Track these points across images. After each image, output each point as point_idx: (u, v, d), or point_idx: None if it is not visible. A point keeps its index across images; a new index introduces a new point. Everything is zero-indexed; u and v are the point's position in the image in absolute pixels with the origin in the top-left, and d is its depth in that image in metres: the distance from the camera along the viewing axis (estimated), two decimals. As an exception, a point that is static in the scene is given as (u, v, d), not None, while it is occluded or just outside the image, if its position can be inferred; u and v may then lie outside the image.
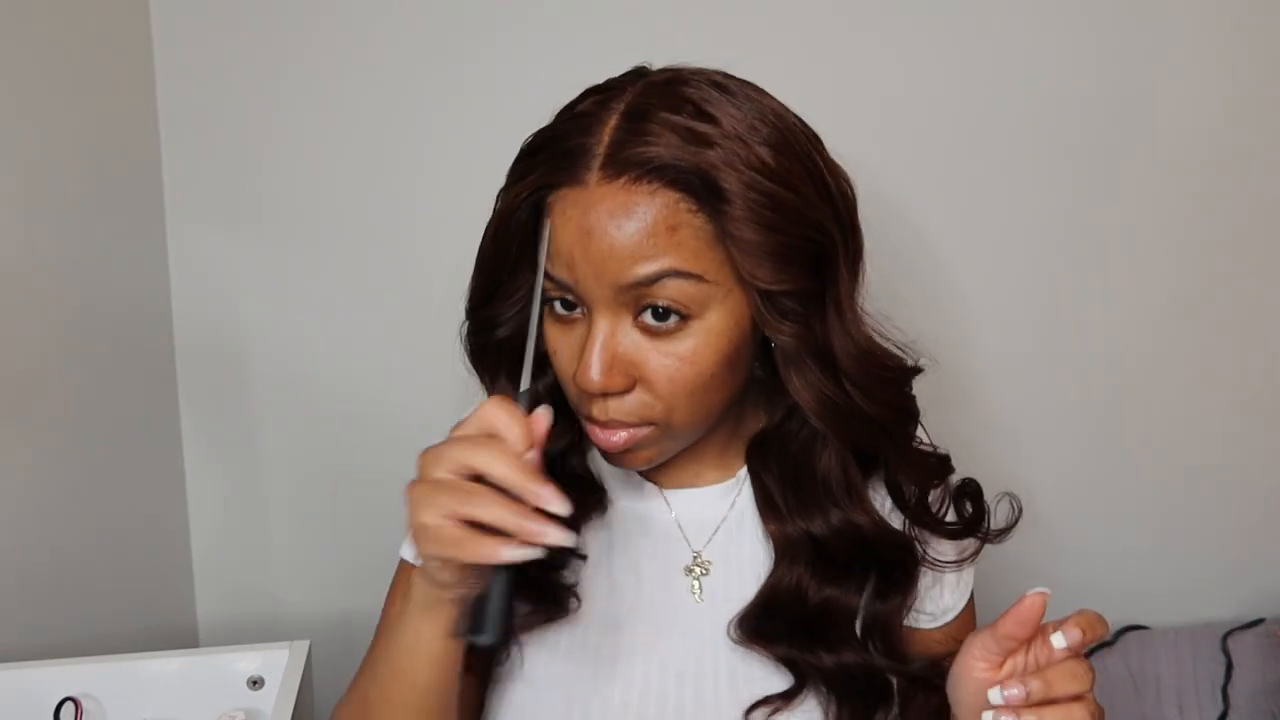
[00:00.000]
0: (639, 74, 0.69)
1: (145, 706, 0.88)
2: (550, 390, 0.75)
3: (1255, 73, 1.14)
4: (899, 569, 0.76)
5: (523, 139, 0.69)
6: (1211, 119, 1.15)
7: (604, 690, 0.75)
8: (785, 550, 0.75)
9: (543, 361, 0.73)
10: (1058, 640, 0.63)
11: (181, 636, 1.20)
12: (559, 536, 0.57)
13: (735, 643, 0.76)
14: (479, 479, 0.59)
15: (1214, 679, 1.21)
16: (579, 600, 0.76)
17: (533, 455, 0.60)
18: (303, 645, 0.90)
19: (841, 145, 0.71)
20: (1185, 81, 1.13)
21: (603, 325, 0.66)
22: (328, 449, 1.20)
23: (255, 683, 0.89)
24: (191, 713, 0.89)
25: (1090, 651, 1.22)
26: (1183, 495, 1.28)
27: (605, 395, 0.67)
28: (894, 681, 0.76)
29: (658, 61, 0.71)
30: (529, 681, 0.76)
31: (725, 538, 0.79)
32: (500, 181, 0.69)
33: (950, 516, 0.78)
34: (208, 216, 1.12)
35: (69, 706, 0.85)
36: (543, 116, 0.69)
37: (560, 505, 0.58)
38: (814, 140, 0.70)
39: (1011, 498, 0.79)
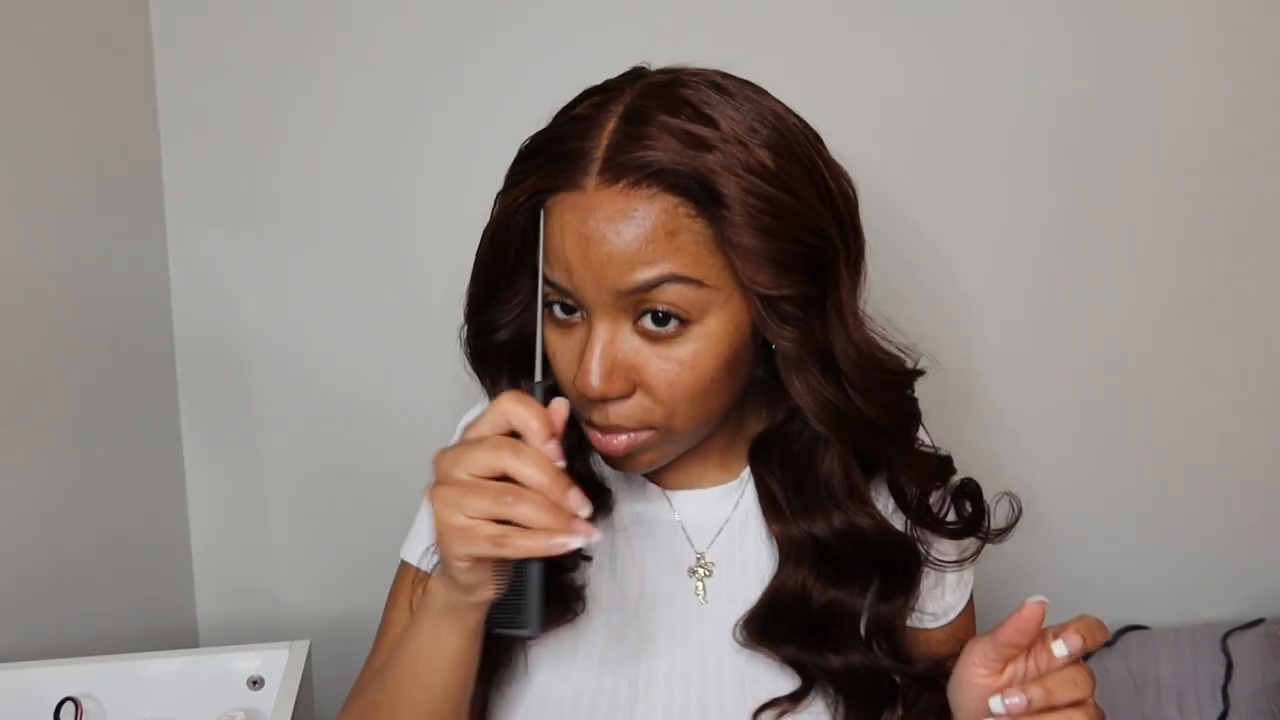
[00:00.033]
0: (637, 75, 0.69)
1: (145, 706, 0.88)
2: (551, 393, 0.74)
3: (1255, 73, 1.14)
4: (902, 570, 0.76)
5: (522, 139, 0.69)
6: (1211, 119, 1.15)
7: (609, 692, 0.75)
8: (790, 552, 0.75)
9: (543, 363, 0.74)
10: (1058, 648, 0.63)
11: (181, 636, 1.20)
12: (589, 531, 0.59)
13: (741, 645, 0.76)
14: (502, 478, 0.59)
15: (1214, 679, 1.21)
16: (585, 603, 0.76)
17: (552, 446, 0.60)
18: (303, 645, 0.90)
19: (841, 145, 0.71)
20: (1185, 81, 1.13)
21: (602, 330, 0.66)
22: (328, 449, 1.20)
23: (255, 683, 0.90)
24: (191, 713, 0.89)
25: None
26: (1183, 495, 1.28)
27: (605, 400, 0.67)
28: (898, 682, 0.76)
29: (657, 61, 0.71)
30: (533, 685, 0.76)
31: (729, 539, 0.79)
32: (500, 182, 0.69)
33: (950, 517, 0.78)
34: (208, 216, 1.12)
35: (69, 706, 0.85)
36: (543, 116, 0.69)
37: (584, 507, 0.59)
38: (815, 141, 0.69)
39: (1011, 497, 0.79)
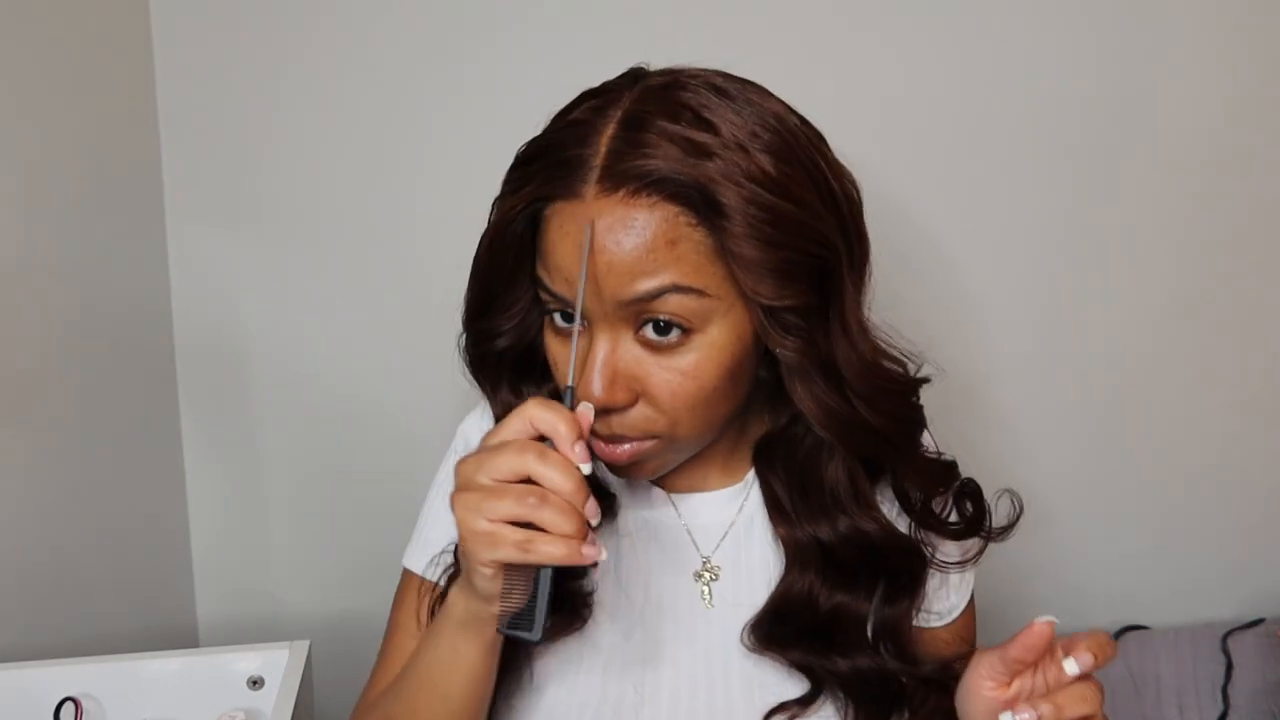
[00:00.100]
0: (635, 77, 0.68)
1: (145, 706, 0.88)
2: (553, 398, 0.74)
3: (1255, 73, 1.14)
4: (907, 573, 0.75)
5: (523, 139, 0.69)
6: (1211, 119, 1.15)
7: (614, 699, 0.75)
8: (796, 555, 0.75)
9: (544, 370, 0.73)
10: (1069, 666, 0.62)
11: (181, 636, 1.20)
12: (598, 552, 0.60)
13: (749, 649, 0.75)
14: (525, 484, 0.60)
15: (1214, 679, 1.21)
16: (591, 609, 0.75)
17: (580, 448, 0.60)
18: (303, 645, 0.90)
19: (842, 145, 0.70)
20: (1185, 81, 1.13)
21: (604, 341, 0.65)
22: (328, 449, 1.20)
23: (255, 683, 0.89)
24: (191, 713, 0.89)
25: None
26: (1183, 495, 1.28)
27: (608, 410, 0.66)
28: (906, 684, 0.76)
29: (657, 61, 0.70)
30: (539, 693, 0.76)
31: (734, 542, 0.78)
32: (500, 183, 0.69)
33: (952, 518, 0.78)
34: (208, 216, 1.12)
35: (69, 706, 0.85)
36: (542, 116, 0.69)
37: (596, 516, 0.60)
38: (818, 141, 0.68)
39: (1012, 494, 0.79)
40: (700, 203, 0.62)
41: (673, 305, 0.63)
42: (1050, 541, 1.25)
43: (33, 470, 0.97)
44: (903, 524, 0.76)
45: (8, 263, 0.91)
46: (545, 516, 0.58)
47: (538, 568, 0.61)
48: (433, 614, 0.77)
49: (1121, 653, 1.24)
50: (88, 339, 1.02)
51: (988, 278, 1.18)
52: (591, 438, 0.69)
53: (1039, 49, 1.12)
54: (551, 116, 0.69)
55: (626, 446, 0.68)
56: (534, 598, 0.61)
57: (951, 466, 0.78)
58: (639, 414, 0.67)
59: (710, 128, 0.63)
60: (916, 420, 0.75)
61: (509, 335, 0.72)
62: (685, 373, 0.65)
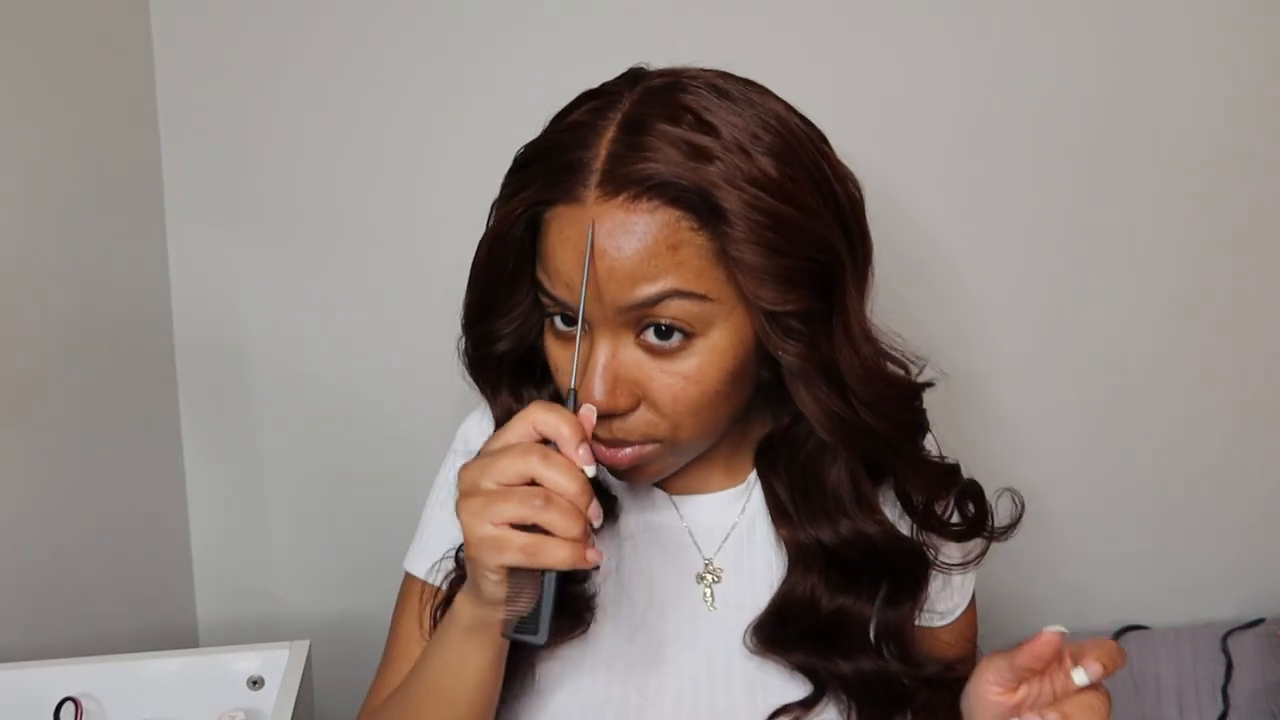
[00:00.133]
0: (635, 78, 0.67)
1: (145, 706, 0.88)
2: (553, 400, 0.74)
3: (1255, 73, 1.14)
4: (910, 575, 0.75)
5: (523, 139, 0.69)
6: (1211, 119, 1.15)
7: (617, 701, 0.74)
8: (799, 557, 0.75)
9: (544, 372, 0.73)
10: (1079, 676, 0.62)
11: (181, 636, 1.20)
12: (599, 556, 0.60)
13: (752, 652, 0.75)
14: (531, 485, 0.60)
15: (1214, 679, 1.21)
16: (593, 613, 0.75)
17: (585, 451, 0.60)
18: (303, 645, 0.90)
19: (842, 145, 0.70)
20: (1185, 81, 1.13)
21: (605, 346, 0.65)
22: (328, 449, 1.20)
23: (255, 683, 0.89)
24: (191, 713, 0.89)
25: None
26: (1183, 495, 1.28)
27: (610, 415, 0.66)
28: (909, 685, 0.76)
29: (657, 61, 0.70)
30: (542, 696, 0.75)
31: (736, 544, 0.78)
32: (500, 183, 0.69)
33: (954, 519, 0.78)
34: (208, 216, 1.12)
35: (69, 706, 0.85)
36: (543, 117, 0.69)
37: (599, 519, 0.60)
38: (819, 142, 0.68)
39: (1013, 493, 0.79)
40: (702, 207, 0.61)
41: (674, 310, 0.63)
42: (1050, 541, 1.25)
43: (33, 470, 0.97)
44: (905, 525, 0.76)
45: (8, 263, 0.91)
46: (550, 518, 0.58)
47: (543, 572, 0.61)
48: (435, 619, 0.77)
49: (1121, 653, 1.24)
50: (88, 339, 1.02)
51: (988, 278, 1.18)
52: (593, 441, 0.69)
53: (1039, 49, 1.12)
54: (550, 119, 0.68)
55: (628, 450, 0.68)
56: (539, 602, 0.61)
57: (954, 470, 0.78)
58: (640, 418, 0.66)
59: (711, 130, 0.62)
60: (919, 425, 0.75)
61: (509, 339, 0.72)
62: (687, 377, 0.65)
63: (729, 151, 0.62)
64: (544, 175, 0.64)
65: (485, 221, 0.71)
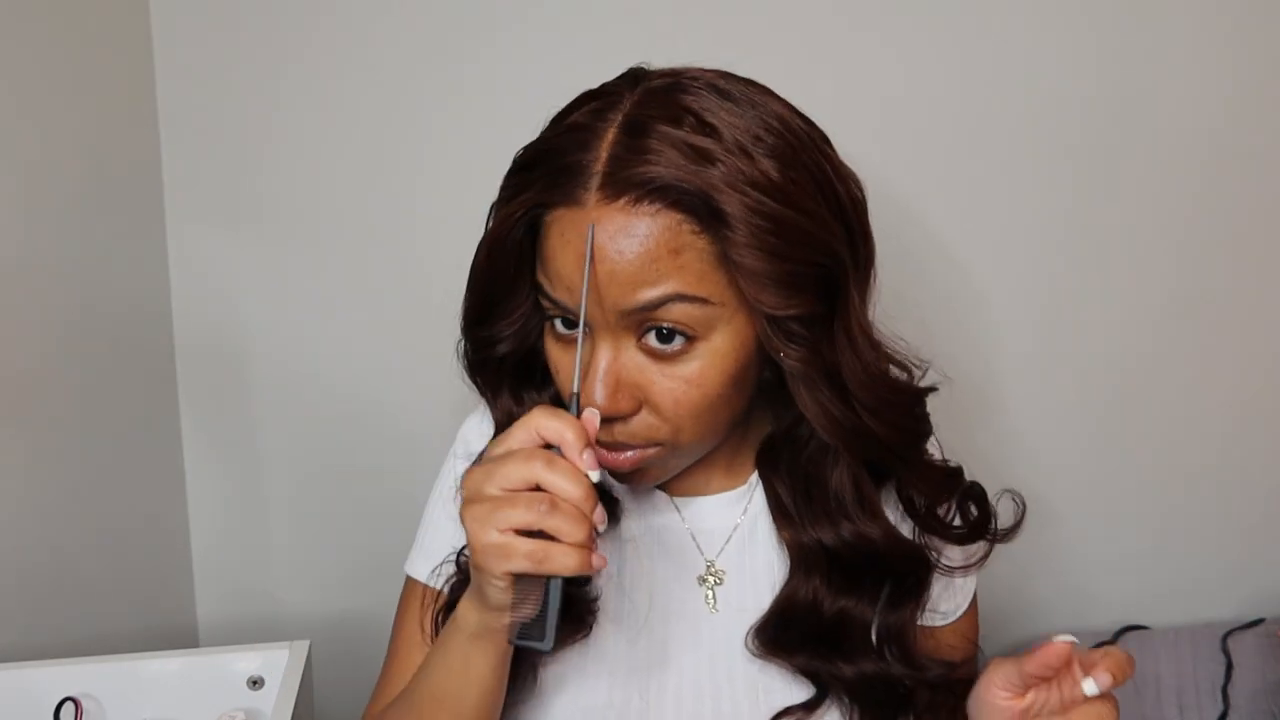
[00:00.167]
0: (636, 78, 0.67)
1: (145, 706, 0.88)
2: (554, 403, 0.74)
3: (1255, 73, 1.14)
4: (912, 578, 0.75)
5: (523, 139, 0.68)
6: (1211, 119, 1.15)
7: (620, 705, 0.74)
8: (801, 559, 0.74)
9: (544, 375, 0.73)
10: (1089, 686, 0.62)
11: (181, 636, 1.20)
12: (603, 560, 0.60)
13: (754, 654, 0.75)
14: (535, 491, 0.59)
15: (1214, 679, 1.21)
16: (595, 616, 0.75)
17: (589, 456, 0.60)
18: (303, 645, 0.90)
19: (842, 145, 0.70)
20: (1185, 81, 1.13)
21: (606, 349, 0.65)
22: (328, 449, 1.20)
23: (255, 683, 0.89)
24: (191, 713, 0.89)
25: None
26: (1183, 495, 1.28)
27: (611, 419, 0.65)
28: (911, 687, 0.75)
29: (657, 62, 0.70)
30: (545, 699, 0.75)
31: (738, 546, 0.78)
32: (499, 183, 0.69)
33: (956, 521, 0.77)
34: (208, 216, 1.12)
35: (69, 706, 0.85)
36: (543, 117, 0.69)
37: (603, 523, 0.60)
38: (822, 143, 0.67)
39: (1014, 495, 0.78)
40: (703, 210, 0.61)
41: (676, 314, 0.63)
42: (1050, 541, 1.25)
43: (33, 470, 0.97)
44: (907, 527, 0.75)
45: (8, 263, 0.91)
46: (556, 524, 0.58)
47: (548, 577, 0.60)
48: (437, 623, 0.77)
49: (1121, 653, 1.24)
50: (88, 339, 1.02)
51: (988, 278, 1.18)
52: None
53: (1039, 49, 1.12)
54: (549, 120, 0.68)
55: (629, 454, 0.67)
56: (544, 607, 0.61)
57: (957, 474, 0.77)
58: (642, 422, 0.66)
59: (713, 132, 0.62)
60: (921, 431, 0.74)
61: (509, 341, 0.72)
62: (689, 380, 0.65)
63: (730, 154, 0.61)
64: (544, 178, 0.64)
65: (485, 223, 0.70)
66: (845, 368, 0.67)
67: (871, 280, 0.70)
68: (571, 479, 0.59)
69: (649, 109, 0.63)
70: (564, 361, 0.68)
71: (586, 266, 0.62)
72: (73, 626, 1.02)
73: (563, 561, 0.58)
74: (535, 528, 0.58)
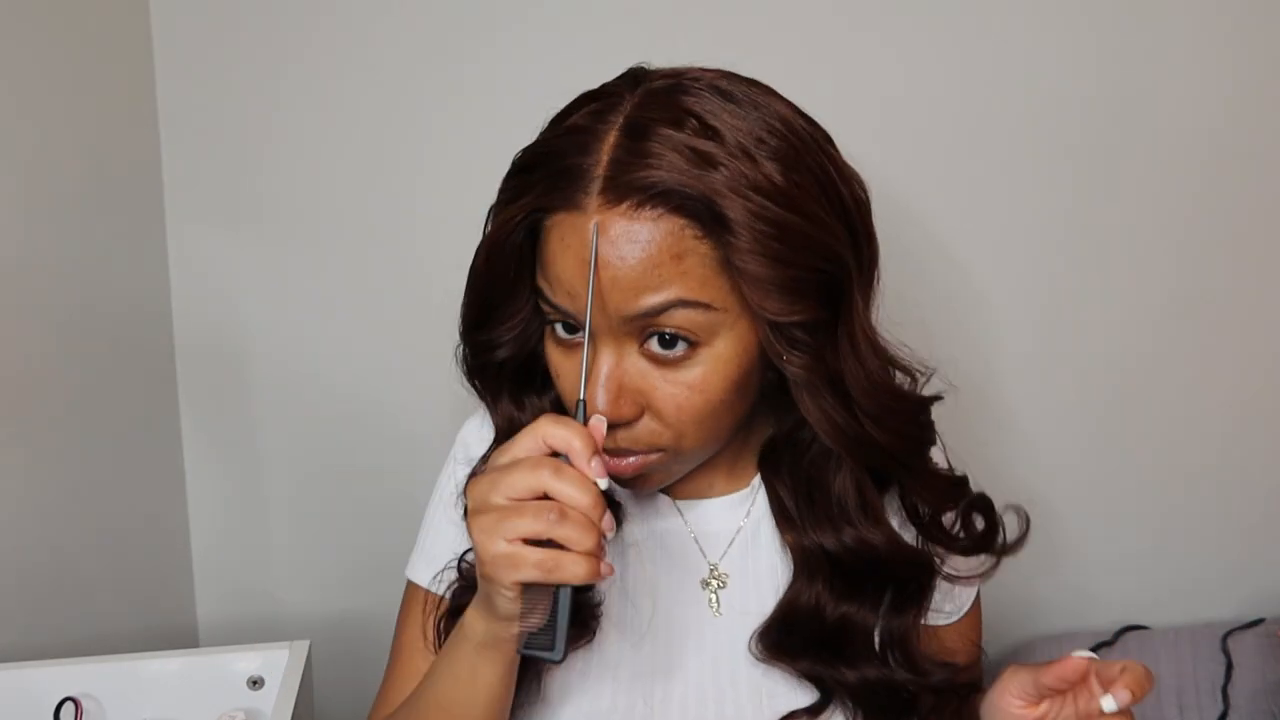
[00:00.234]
0: (636, 79, 0.66)
1: (145, 706, 0.88)
2: (555, 407, 0.73)
3: (1255, 73, 1.14)
4: (915, 583, 0.75)
5: (523, 139, 0.68)
6: (1211, 119, 1.15)
7: (624, 710, 0.74)
8: (804, 563, 0.74)
9: (545, 378, 0.72)
10: (1107, 704, 0.61)
11: (181, 636, 1.20)
12: (610, 569, 0.59)
13: (758, 659, 0.75)
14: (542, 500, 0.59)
15: (1214, 679, 1.21)
16: (599, 621, 0.74)
17: (597, 463, 0.59)
18: (303, 645, 0.90)
19: (842, 146, 0.70)
20: (1185, 81, 1.13)
21: (608, 354, 0.64)
22: (328, 449, 1.20)
23: (255, 683, 0.89)
24: (191, 713, 0.89)
25: (1090, 650, 1.22)
26: (1183, 495, 1.28)
27: (613, 425, 0.65)
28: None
29: (657, 62, 0.70)
30: (549, 705, 0.75)
31: (741, 549, 0.78)
32: (499, 184, 0.69)
33: (962, 531, 0.77)
34: (208, 216, 1.12)
35: (69, 706, 0.85)
36: (543, 117, 0.68)
37: (612, 530, 0.60)
38: (825, 143, 0.67)
39: (1017, 509, 0.77)
40: (706, 215, 0.60)
41: (679, 319, 0.62)
42: (1050, 541, 1.25)
43: (33, 470, 0.97)
44: (910, 534, 0.75)
45: (8, 263, 0.91)
46: (566, 533, 0.57)
47: (557, 587, 0.60)
48: (439, 629, 0.76)
49: (1121, 653, 1.24)
50: (88, 339, 1.02)
51: (988, 278, 1.18)
52: None
53: (1039, 49, 1.12)
54: (549, 120, 0.68)
55: (632, 460, 0.67)
56: (553, 617, 0.60)
57: (962, 483, 0.77)
58: (644, 428, 0.66)
59: (715, 135, 0.61)
60: (925, 438, 0.74)
61: (509, 346, 0.71)
62: (691, 386, 0.64)
63: (733, 157, 0.61)
64: (544, 181, 0.63)
65: (483, 224, 0.70)
66: (848, 374, 0.66)
67: (875, 283, 0.70)
68: (580, 487, 0.58)
69: (650, 111, 0.62)
70: (565, 366, 0.67)
71: (591, 272, 0.61)
72: (73, 626, 1.02)
73: (573, 570, 0.57)
74: (544, 537, 0.58)
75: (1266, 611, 1.28)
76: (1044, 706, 0.65)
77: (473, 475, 0.75)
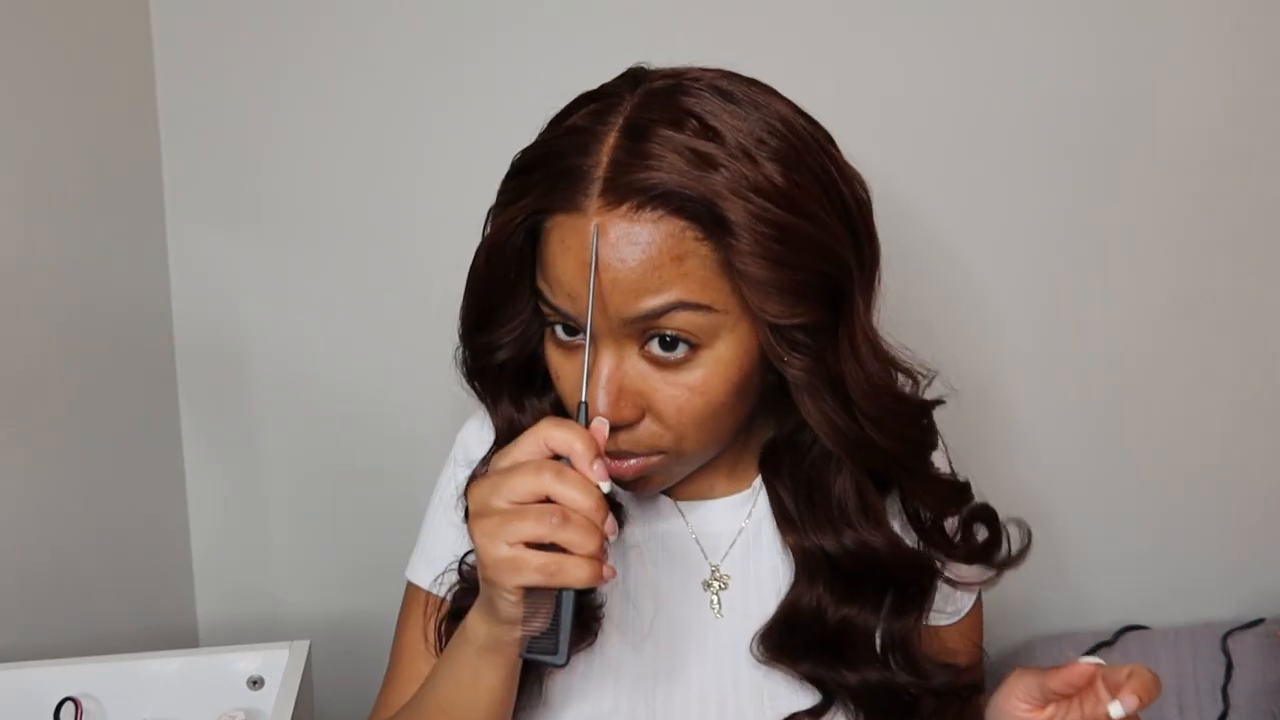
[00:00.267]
0: (636, 79, 0.66)
1: (145, 706, 0.88)
2: (555, 409, 0.73)
3: (1255, 73, 1.14)
4: (915, 586, 0.74)
5: (523, 139, 0.68)
6: (1211, 119, 1.15)
7: (626, 712, 0.74)
8: (805, 565, 0.74)
9: (545, 380, 0.72)
10: (1115, 710, 0.61)
11: (181, 636, 1.20)
12: (613, 572, 0.59)
13: (759, 661, 0.74)
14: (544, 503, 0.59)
15: (1214, 679, 1.21)
16: (600, 623, 0.74)
17: (599, 466, 0.59)
18: (303, 645, 0.90)
19: (842, 146, 0.70)
20: (1185, 81, 1.13)
21: (609, 356, 0.64)
22: (328, 449, 1.20)
23: (255, 683, 0.89)
24: (191, 713, 0.89)
25: (1090, 650, 1.22)
26: (1183, 495, 1.28)
27: (614, 427, 0.64)
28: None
29: (657, 62, 0.69)
30: (550, 708, 0.75)
31: (743, 551, 0.77)
32: (499, 184, 0.69)
33: (961, 539, 0.76)
34: (208, 216, 1.12)
35: (69, 706, 0.85)
36: (543, 117, 0.68)
37: (614, 533, 0.59)
38: (825, 144, 0.66)
39: (1019, 523, 0.77)
40: (706, 217, 0.60)
41: (679, 321, 0.62)
42: (1050, 541, 1.25)
43: (33, 470, 0.97)
44: (912, 537, 0.75)
45: (8, 263, 0.91)
46: (568, 536, 0.57)
47: (560, 590, 0.60)
48: (440, 631, 0.76)
49: (1121, 653, 1.24)
50: (88, 339, 1.02)
51: (988, 278, 1.18)
52: None
53: (1039, 49, 1.11)
54: (548, 121, 0.67)
55: (633, 462, 0.67)
56: (556, 620, 0.60)
57: (964, 488, 0.76)
58: (645, 430, 0.66)
59: (715, 136, 0.61)
60: (926, 442, 0.73)
61: (509, 348, 0.71)
62: (692, 388, 0.64)
63: (734, 159, 0.60)
64: (544, 182, 0.63)
65: (483, 225, 0.70)
66: (849, 376, 0.66)
67: (876, 284, 0.69)
68: (582, 490, 0.58)
69: (650, 111, 0.62)
70: (565, 368, 0.67)
71: (591, 274, 0.61)
72: (73, 626, 1.02)
73: (576, 574, 0.57)
74: (547, 541, 0.57)
75: (1266, 611, 1.28)
76: (1050, 711, 0.65)
77: (473, 478, 0.75)
